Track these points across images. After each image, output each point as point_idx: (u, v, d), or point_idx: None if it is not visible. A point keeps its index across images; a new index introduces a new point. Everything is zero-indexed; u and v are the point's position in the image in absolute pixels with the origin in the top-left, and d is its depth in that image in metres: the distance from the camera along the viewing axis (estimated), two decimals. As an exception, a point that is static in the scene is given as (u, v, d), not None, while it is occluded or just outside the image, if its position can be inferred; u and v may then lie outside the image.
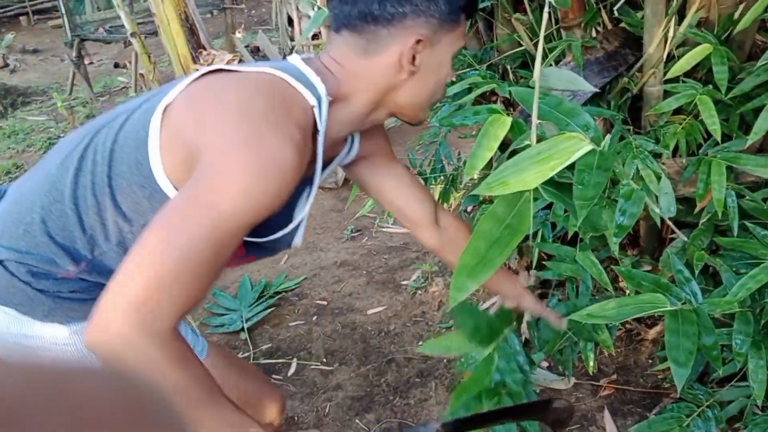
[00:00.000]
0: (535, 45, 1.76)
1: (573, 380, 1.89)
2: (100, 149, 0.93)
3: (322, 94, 0.93)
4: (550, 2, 1.17)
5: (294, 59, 0.98)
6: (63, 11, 6.12)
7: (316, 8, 3.86)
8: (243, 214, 0.80)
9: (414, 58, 0.96)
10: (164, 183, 0.88)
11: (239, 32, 6.79)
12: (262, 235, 1.00)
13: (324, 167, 1.07)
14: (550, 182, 1.20)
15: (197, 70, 0.97)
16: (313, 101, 0.91)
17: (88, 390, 0.30)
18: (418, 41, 0.95)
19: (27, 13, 9.68)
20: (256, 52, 5.59)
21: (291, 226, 1.03)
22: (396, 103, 1.03)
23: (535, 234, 1.63)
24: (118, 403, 0.30)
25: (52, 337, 0.97)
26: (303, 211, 1.04)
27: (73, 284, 0.95)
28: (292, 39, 4.42)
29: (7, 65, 6.99)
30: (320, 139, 0.95)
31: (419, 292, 2.50)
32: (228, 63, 4.20)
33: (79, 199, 0.92)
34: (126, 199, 0.91)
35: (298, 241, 1.06)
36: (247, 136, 0.82)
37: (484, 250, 0.98)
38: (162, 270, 0.76)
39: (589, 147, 1.04)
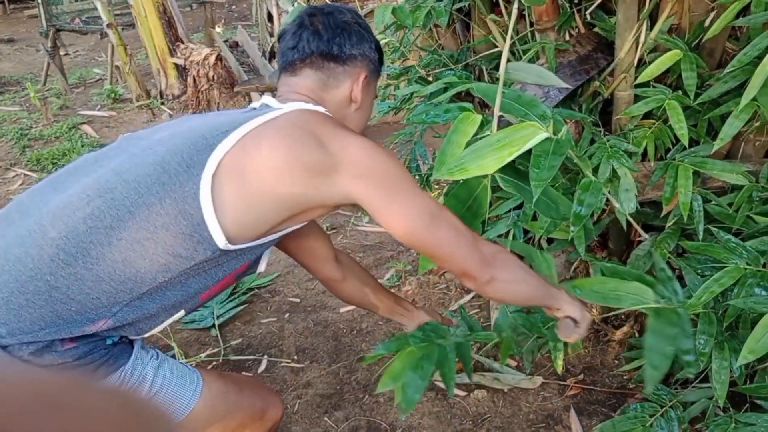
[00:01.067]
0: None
1: (540, 380, 1.90)
2: (122, 213, 0.96)
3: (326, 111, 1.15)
4: (521, 1, 1.19)
5: (270, 101, 1.15)
6: (39, 1, 6.02)
7: (295, 4, 3.84)
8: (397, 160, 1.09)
9: (359, 93, 1.19)
10: (216, 230, 0.99)
11: (219, 27, 6.73)
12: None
13: None
14: (510, 171, 1.24)
15: (174, 63, 1.04)
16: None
17: (86, 404, 0.30)
18: (366, 77, 1.19)
19: (2, 2, 9.50)
20: (235, 47, 5.55)
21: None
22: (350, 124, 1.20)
23: (507, 233, 1.64)
24: (115, 417, 0.30)
25: None
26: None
27: (74, 351, 0.97)
28: (271, 35, 4.40)
29: (-20, 54, 6.85)
30: None
31: (393, 290, 2.50)
32: (206, 57, 4.16)
33: (106, 260, 0.95)
34: (169, 254, 0.98)
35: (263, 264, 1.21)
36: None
37: None
38: (445, 212, 1.07)
39: (545, 135, 1.07)
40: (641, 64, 1.56)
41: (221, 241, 0.99)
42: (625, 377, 1.91)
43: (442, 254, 1.05)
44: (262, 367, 2.13)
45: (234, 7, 9.32)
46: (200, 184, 0.97)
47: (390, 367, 1.05)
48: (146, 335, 1.08)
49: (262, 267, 1.20)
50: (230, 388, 1.18)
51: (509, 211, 1.67)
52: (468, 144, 1.20)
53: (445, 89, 1.75)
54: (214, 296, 1.15)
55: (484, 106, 2.22)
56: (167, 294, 1.02)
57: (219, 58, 4.10)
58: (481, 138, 1.16)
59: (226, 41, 5.45)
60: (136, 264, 0.96)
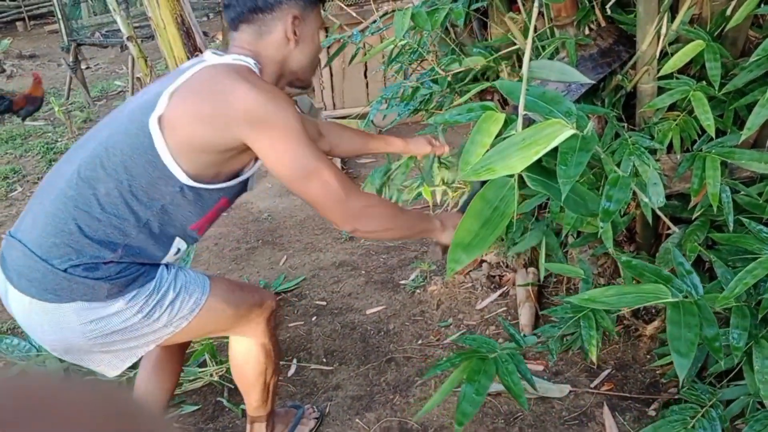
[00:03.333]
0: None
1: (568, 388, 1.89)
2: (111, 159, 1.27)
3: (253, 64, 1.30)
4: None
5: (214, 57, 1.33)
6: (59, 16, 6.13)
7: (311, 10, 3.87)
8: (296, 115, 1.26)
9: (295, 31, 1.33)
10: (173, 166, 1.26)
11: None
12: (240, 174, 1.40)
13: None
14: (536, 169, 1.24)
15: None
16: (254, 69, 1.30)
17: (74, 404, 0.30)
18: (295, 17, 1.33)
19: (23, 19, 9.68)
20: (253, 55, 5.60)
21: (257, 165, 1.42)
22: (291, 70, 1.39)
23: (540, 243, 1.64)
24: (103, 416, 0.30)
25: (114, 309, 1.30)
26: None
27: (117, 267, 1.29)
28: (288, 41, 4.45)
29: (3, 71, 7.00)
30: None
31: (418, 291, 2.51)
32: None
33: (106, 205, 1.26)
34: (144, 193, 1.27)
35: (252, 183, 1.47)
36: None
37: (477, 228, 1.10)
38: (324, 166, 1.26)
39: (571, 132, 1.07)
40: (663, 56, 1.55)
41: (183, 177, 1.27)
42: (658, 372, 1.89)
43: (313, 205, 1.31)
44: (292, 371, 2.15)
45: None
46: (152, 137, 1.24)
47: (446, 381, 1.09)
48: (161, 262, 1.38)
49: (252, 184, 1.47)
50: (233, 286, 1.51)
51: (534, 211, 1.66)
52: (492, 143, 1.20)
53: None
54: (206, 226, 1.43)
55: (504, 104, 2.22)
56: (157, 227, 1.31)
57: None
58: (505, 137, 1.16)
59: (243, 49, 5.48)
60: (130, 205, 1.27)
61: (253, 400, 1.66)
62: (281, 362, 2.18)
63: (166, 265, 1.41)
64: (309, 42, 1.38)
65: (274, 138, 1.24)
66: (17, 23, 9.69)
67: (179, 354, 1.73)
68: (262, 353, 1.57)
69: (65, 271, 1.25)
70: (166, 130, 1.24)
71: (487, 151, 1.26)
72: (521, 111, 1.20)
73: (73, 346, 1.32)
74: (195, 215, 1.36)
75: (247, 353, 1.58)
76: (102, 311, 1.29)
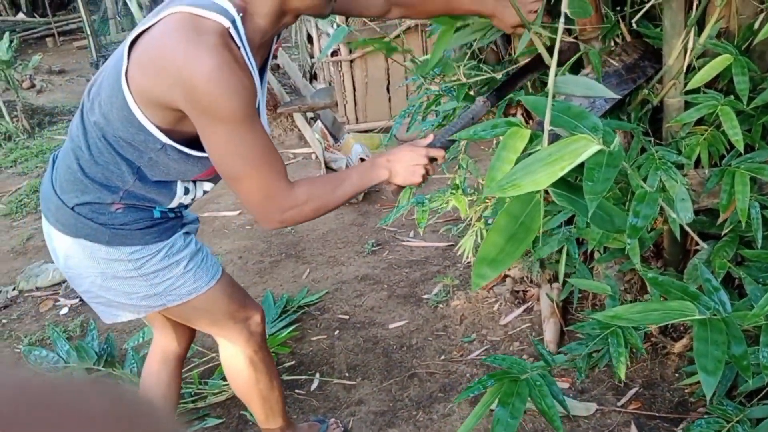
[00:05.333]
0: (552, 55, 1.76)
1: (594, 406, 1.86)
2: (100, 109, 1.25)
3: (234, 14, 1.15)
4: (566, 12, 1.19)
5: None
6: (88, 33, 6.27)
7: (335, 26, 3.90)
8: (244, 107, 1.14)
9: None
10: (148, 125, 1.22)
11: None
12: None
13: (263, 67, 1.35)
14: (562, 185, 1.24)
15: None
16: (226, 23, 1.13)
17: (77, 401, 0.30)
18: None
19: (53, 35, 9.90)
20: (277, 70, 5.67)
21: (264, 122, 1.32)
22: (294, 6, 1.22)
23: (561, 249, 1.63)
24: (106, 414, 0.30)
25: (113, 256, 1.33)
26: (263, 113, 1.33)
27: (122, 217, 1.31)
28: (311, 56, 4.48)
29: (33, 86, 7.16)
30: (245, 49, 1.18)
31: (441, 306, 2.50)
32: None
33: (102, 151, 1.27)
34: (129, 145, 1.25)
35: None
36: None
37: (502, 243, 1.09)
38: (253, 173, 1.20)
39: (598, 147, 1.07)
40: (690, 70, 1.53)
41: (160, 135, 1.23)
42: (686, 391, 1.86)
43: (240, 199, 1.28)
44: (315, 385, 2.15)
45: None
46: (124, 93, 1.19)
47: (478, 404, 1.09)
48: (169, 206, 1.38)
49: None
50: (237, 289, 1.54)
51: (560, 225, 1.65)
52: (518, 159, 1.20)
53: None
54: (210, 174, 1.37)
55: (528, 117, 2.21)
56: (153, 175, 1.30)
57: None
58: (531, 153, 1.16)
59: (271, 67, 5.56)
60: (121, 153, 1.26)
61: (255, 411, 1.69)
62: (304, 376, 2.19)
63: (186, 236, 1.43)
64: None
65: (209, 124, 1.16)
66: (47, 39, 9.91)
67: (178, 369, 1.74)
68: (248, 365, 1.58)
69: (72, 208, 1.31)
70: (131, 82, 1.19)
71: (513, 166, 1.26)
72: (547, 126, 1.19)
73: (76, 278, 1.40)
74: (192, 171, 1.33)
75: (234, 362, 1.60)
76: (104, 253, 1.33)
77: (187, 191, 1.39)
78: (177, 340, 1.68)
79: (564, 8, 1.13)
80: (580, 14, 1.31)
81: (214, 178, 1.43)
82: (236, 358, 1.59)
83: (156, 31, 1.17)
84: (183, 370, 2.13)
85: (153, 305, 1.41)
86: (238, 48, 1.17)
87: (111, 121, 1.24)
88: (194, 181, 1.40)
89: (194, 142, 1.26)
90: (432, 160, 1.37)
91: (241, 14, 1.17)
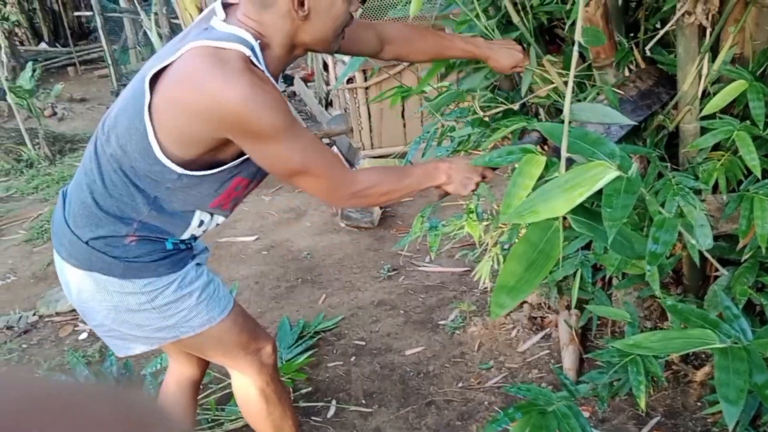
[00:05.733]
0: (567, 84, 1.78)
1: None
2: (116, 139, 1.25)
3: (252, 42, 1.19)
4: (579, 42, 1.20)
5: (218, 23, 1.23)
6: (109, 62, 6.41)
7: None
8: (283, 117, 1.18)
9: (302, 4, 1.19)
10: (165, 160, 1.23)
11: (276, 77, 6.96)
12: None
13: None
14: (580, 211, 1.23)
15: None
16: (247, 51, 1.17)
17: (88, 406, 0.30)
18: None
19: (74, 64, 10.12)
20: (293, 97, 5.74)
21: None
22: (303, 41, 1.26)
23: (575, 273, 1.62)
24: (117, 419, 0.30)
25: (126, 289, 1.33)
26: None
27: (136, 249, 1.32)
28: (327, 84, 4.54)
29: (55, 114, 7.30)
30: (265, 73, 1.21)
31: (457, 332, 2.48)
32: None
33: (116, 183, 1.27)
34: (145, 176, 1.25)
35: None
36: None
37: (521, 271, 1.08)
38: (311, 169, 1.24)
39: (616, 173, 1.07)
40: (705, 96, 1.54)
41: (177, 168, 1.24)
42: (709, 420, 1.82)
43: (306, 191, 1.32)
44: (331, 412, 2.14)
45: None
46: (146, 126, 1.20)
47: None
48: (182, 238, 1.38)
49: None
50: (249, 320, 1.54)
51: (577, 250, 1.64)
52: (534, 186, 1.20)
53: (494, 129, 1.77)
54: (230, 203, 1.39)
55: (543, 142, 2.22)
56: (169, 205, 1.30)
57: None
58: (548, 180, 1.16)
59: (284, 91, 5.65)
60: (136, 184, 1.27)
61: None
62: (320, 403, 2.18)
63: (198, 267, 1.44)
64: (326, 13, 1.23)
65: (257, 143, 1.20)
66: (68, 68, 10.13)
67: (194, 395, 1.75)
68: (260, 396, 1.58)
69: (86, 243, 1.31)
70: (155, 119, 1.20)
71: (530, 193, 1.27)
72: (564, 153, 1.20)
73: (89, 312, 1.40)
74: (207, 196, 1.33)
75: (245, 393, 1.60)
76: (117, 286, 1.33)
77: (201, 223, 1.40)
78: (192, 366, 1.69)
79: (577, 37, 1.14)
80: (594, 42, 1.33)
81: (231, 208, 1.43)
82: (248, 389, 1.59)
83: (179, 66, 1.18)
84: (199, 397, 2.13)
85: (166, 337, 1.42)
86: (260, 70, 1.20)
87: (128, 152, 1.25)
88: (211, 214, 1.40)
89: (214, 165, 1.28)
90: (483, 177, 1.43)
91: (258, 41, 1.21)
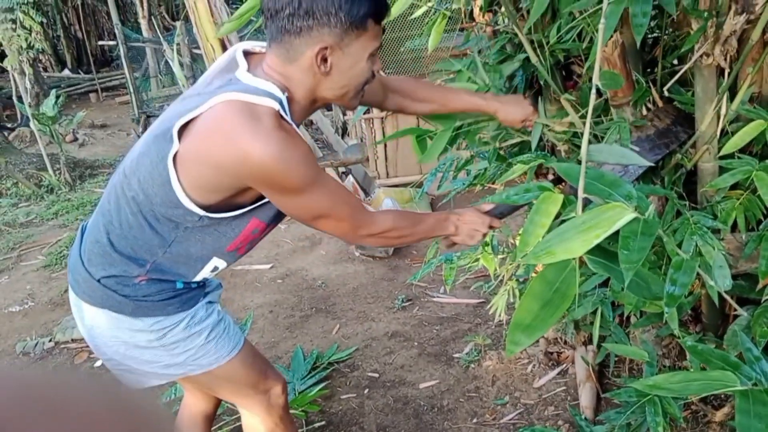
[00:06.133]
0: (584, 121, 1.78)
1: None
2: (137, 182, 1.27)
3: (280, 95, 1.20)
4: (597, 85, 1.21)
5: (244, 75, 1.23)
6: (131, 90, 6.54)
7: (367, 84, 4.01)
8: (311, 170, 1.22)
9: (325, 60, 1.20)
10: (189, 204, 1.24)
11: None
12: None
13: None
14: (597, 250, 1.23)
15: None
16: (276, 105, 1.18)
17: (80, 403, 0.30)
18: (324, 48, 1.18)
19: (96, 90, 10.34)
20: (310, 125, 5.80)
21: None
22: (323, 96, 1.28)
23: (595, 311, 1.61)
24: (110, 416, 0.30)
25: (135, 326, 1.34)
26: None
27: (146, 288, 1.33)
28: (344, 113, 4.60)
29: (76, 139, 7.44)
30: (294, 124, 1.24)
31: (472, 365, 2.46)
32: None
33: (133, 225, 1.29)
34: (166, 219, 1.27)
35: None
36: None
37: (537, 309, 1.08)
38: (335, 214, 1.29)
39: (632, 215, 1.07)
40: (724, 134, 1.54)
41: (199, 211, 1.25)
42: (729, 462, 1.78)
43: (326, 232, 1.36)
44: (344, 446, 2.12)
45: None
46: (169, 172, 1.22)
47: None
48: (193, 280, 1.39)
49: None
50: (258, 358, 1.55)
51: (595, 287, 1.63)
52: (551, 224, 1.20)
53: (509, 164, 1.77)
54: (246, 246, 1.41)
55: (558, 181, 2.22)
56: (186, 248, 1.32)
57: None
58: (564, 219, 1.17)
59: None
60: (154, 227, 1.28)
61: None
62: (334, 436, 2.16)
63: (209, 305, 1.45)
64: (347, 71, 1.23)
65: (283, 195, 1.24)
66: (90, 94, 10.35)
67: (206, 428, 1.75)
68: None
69: (98, 281, 1.33)
70: (180, 167, 1.22)
71: (547, 232, 1.27)
72: (580, 194, 1.20)
73: (100, 347, 1.41)
74: (226, 238, 1.35)
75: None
76: (127, 324, 1.35)
77: (215, 269, 1.41)
78: (206, 400, 1.69)
79: (595, 80, 1.15)
80: (612, 86, 1.34)
81: (247, 251, 1.45)
82: (257, 429, 1.58)
83: (209, 119, 1.18)
84: (213, 428, 2.13)
85: (175, 374, 1.43)
86: (289, 124, 1.22)
87: (150, 196, 1.26)
88: (226, 261, 1.41)
89: (233, 207, 1.30)
90: (491, 227, 1.52)
91: (285, 94, 1.23)
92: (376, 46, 1.24)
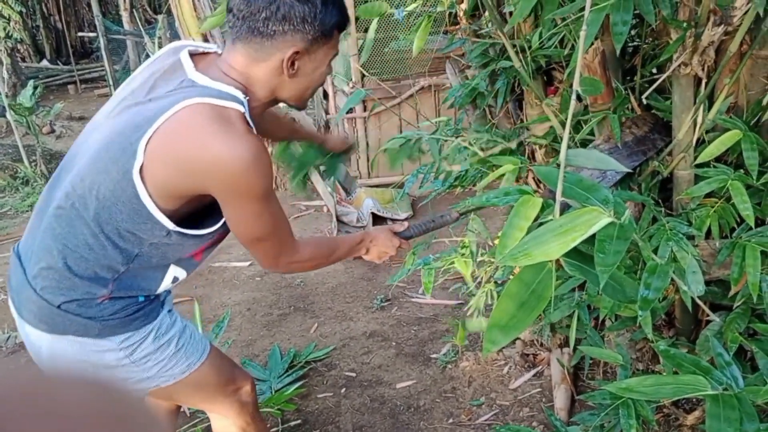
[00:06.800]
0: (564, 127, 1.80)
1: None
2: (95, 200, 1.21)
3: (242, 98, 1.22)
4: (577, 91, 1.23)
5: (199, 77, 1.22)
6: (111, 83, 6.45)
7: (351, 86, 4.01)
8: (270, 184, 1.24)
9: (293, 64, 1.24)
10: (159, 215, 1.22)
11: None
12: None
13: None
14: (573, 253, 1.25)
15: None
16: (241, 108, 1.20)
17: (71, 397, 0.30)
18: (296, 52, 1.22)
19: (75, 82, 10.18)
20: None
21: None
22: (282, 97, 1.32)
23: (572, 315, 1.63)
24: (99, 410, 0.30)
25: (102, 347, 1.30)
26: None
27: (111, 308, 1.28)
28: (327, 112, 4.59)
29: (53, 131, 7.32)
30: (252, 128, 1.24)
31: (449, 366, 2.48)
32: (264, 134, 4.36)
33: (93, 246, 1.23)
34: (131, 234, 1.23)
35: None
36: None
37: (513, 310, 1.09)
38: (272, 236, 1.30)
39: (608, 220, 1.09)
40: (700, 143, 1.57)
41: (169, 224, 1.24)
42: (699, 465, 1.82)
43: (253, 253, 1.36)
44: (320, 445, 2.12)
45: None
46: (136, 187, 1.19)
47: None
48: (155, 293, 1.37)
49: None
50: (225, 361, 1.55)
51: (572, 290, 1.66)
52: (529, 227, 1.22)
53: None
54: (204, 254, 1.41)
55: (539, 183, 2.25)
56: (149, 261, 1.29)
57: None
58: (542, 222, 1.18)
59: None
60: (117, 244, 1.24)
61: None
62: (309, 435, 2.16)
63: (170, 313, 1.42)
64: (309, 75, 1.29)
65: (239, 200, 1.23)
66: (69, 86, 10.18)
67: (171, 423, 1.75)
68: None
69: (59, 307, 1.26)
70: (147, 178, 1.18)
71: (524, 234, 1.28)
72: (558, 197, 1.22)
73: None
74: (189, 248, 1.34)
75: None
76: (93, 346, 1.29)
77: (175, 279, 1.38)
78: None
79: (576, 86, 1.17)
80: (592, 92, 1.36)
81: (203, 258, 1.43)
82: (229, 430, 1.57)
83: (176, 124, 1.16)
84: (186, 426, 2.12)
85: (147, 387, 1.38)
86: (251, 128, 1.22)
87: (114, 213, 1.21)
88: (185, 269, 1.40)
89: (195, 220, 1.29)
90: (399, 247, 1.65)
91: (246, 97, 1.23)
92: (336, 52, 1.31)
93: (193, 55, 1.28)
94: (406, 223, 1.62)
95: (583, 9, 1.41)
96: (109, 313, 1.28)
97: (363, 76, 3.86)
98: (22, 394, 0.29)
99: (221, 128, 1.16)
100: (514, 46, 1.77)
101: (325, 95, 4.59)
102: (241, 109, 1.20)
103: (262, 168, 1.19)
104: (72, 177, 1.24)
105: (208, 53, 1.33)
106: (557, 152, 1.94)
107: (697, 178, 1.55)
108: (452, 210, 1.65)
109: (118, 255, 1.25)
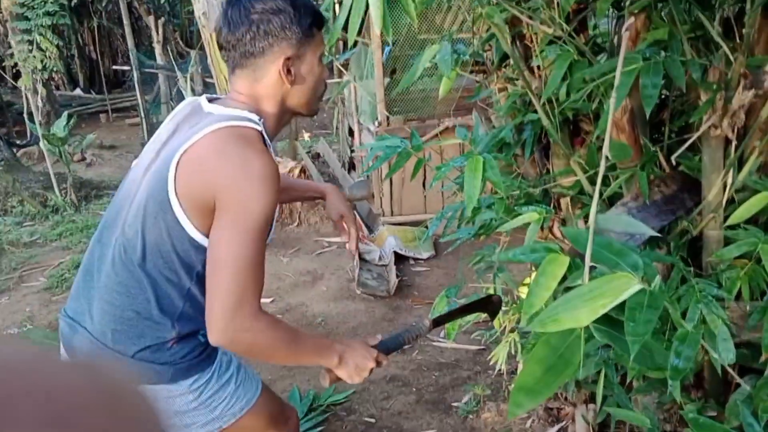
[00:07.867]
0: (591, 182, 1.79)
1: None
2: (145, 242, 1.28)
3: (258, 120, 1.30)
4: (606, 156, 1.23)
5: (215, 108, 1.32)
6: (142, 114, 6.60)
7: (376, 123, 4.04)
8: (268, 218, 1.24)
9: (289, 71, 1.32)
10: (195, 233, 1.27)
11: (304, 136, 7.11)
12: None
13: None
14: (603, 319, 1.23)
15: None
16: (258, 127, 1.29)
17: (65, 381, 0.30)
18: (287, 59, 1.31)
19: (107, 111, 10.44)
20: (317, 158, 5.84)
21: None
22: (292, 105, 1.39)
23: (599, 371, 1.60)
24: (93, 394, 0.30)
25: (174, 392, 1.34)
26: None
27: (180, 351, 1.33)
28: (351, 149, 4.64)
29: (84, 159, 7.49)
30: (271, 148, 1.32)
31: (470, 416, 2.44)
32: (291, 170, 4.42)
33: (154, 287, 1.29)
34: (181, 266, 1.29)
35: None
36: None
37: (540, 374, 1.08)
38: (239, 275, 1.20)
39: (639, 286, 1.07)
40: (730, 203, 1.55)
41: (205, 242, 1.27)
42: None
43: (209, 295, 1.23)
44: (338, 494, 2.09)
45: (315, 117, 9.84)
46: (176, 213, 1.25)
47: None
48: None
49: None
50: (273, 394, 1.58)
51: (598, 348, 1.63)
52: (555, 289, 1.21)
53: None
54: None
55: (563, 233, 2.23)
56: (199, 289, 1.30)
57: (302, 170, 4.35)
58: (570, 287, 1.17)
59: (308, 152, 5.76)
60: (172, 280, 1.30)
61: None
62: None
63: (225, 353, 1.45)
64: (307, 77, 1.37)
65: (232, 213, 1.22)
66: (101, 115, 10.45)
67: None
68: None
69: (133, 357, 1.31)
70: (183, 200, 1.25)
71: (551, 293, 1.27)
72: (587, 261, 1.21)
73: None
74: None
75: None
76: (165, 392, 1.33)
77: None
78: None
79: (605, 152, 1.17)
80: (621, 157, 1.36)
81: None
82: None
83: (201, 148, 1.25)
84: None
85: (211, 430, 1.42)
86: (268, 147, 1.30)
87: (160, 245, 1.27)
88: None
89: None
90: (378, 364, 1.44)
91: (261, 119, 1.32)
92: (322, 49, 1.39)
93: (209, 100, 1.39)
94: (378, 336, 1.50)
95: (612, 70, 1.42)
96: (180, 357, 1.34)
97: (387, 117, 3.90)
98: (18, 373, 0.29)
99: (241, 142, 1.25)
100: (540, 98, 1.78)
101: (351, 132, 4.64)
102: (258, 127, 1.29)
103: (270, 186, 1.23)
104: (120, 230, 1.32)
105: (221, 97, 1.42)
106: (583, 204, 1.93)
107: (727, 239, 1.53)
108: (424, 319, 1.58)
109: (174, 291, 1.31)
